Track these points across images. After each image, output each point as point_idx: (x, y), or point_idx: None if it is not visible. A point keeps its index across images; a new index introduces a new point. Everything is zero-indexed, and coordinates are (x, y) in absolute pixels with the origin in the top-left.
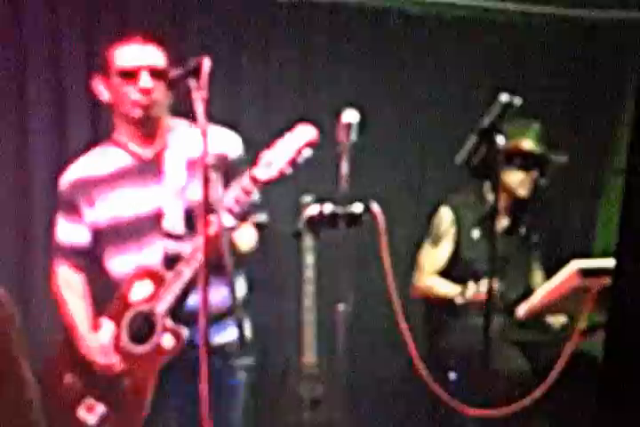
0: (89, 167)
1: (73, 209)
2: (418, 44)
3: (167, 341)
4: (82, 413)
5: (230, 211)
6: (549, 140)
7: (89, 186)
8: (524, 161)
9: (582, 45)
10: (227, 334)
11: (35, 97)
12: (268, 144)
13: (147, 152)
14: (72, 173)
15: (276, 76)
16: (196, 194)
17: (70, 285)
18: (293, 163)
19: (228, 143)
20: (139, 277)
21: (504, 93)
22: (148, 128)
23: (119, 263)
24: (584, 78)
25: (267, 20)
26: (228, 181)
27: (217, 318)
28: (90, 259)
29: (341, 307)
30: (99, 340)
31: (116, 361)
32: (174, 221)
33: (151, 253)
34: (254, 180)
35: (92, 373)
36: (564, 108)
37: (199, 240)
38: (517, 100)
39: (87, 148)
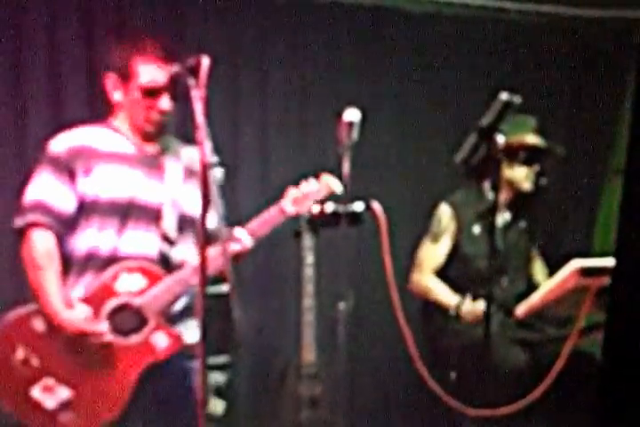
0: (90, 138)
1: (68, 174)
2: (417, 42)
3: (160, 340)
4: (36, 393)
5: (252, 233)
6: (546, 134)
7: (89, 155)
8: (529, 155)
9: (582, 44)
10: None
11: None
12: (295, 183)
13: (149, 148)
14: (71, 139)
15: (276, 76)
16: (191, 203)
17: (47, 250)
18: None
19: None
20: (129, 269)
21: (504, 92)
22: (154, 137)
23: (87, 240)
24: (584, 77)
25: (266, 20)
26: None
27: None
28: (66, 228)
29: (341, 306)
30: (75, 316)
31: (105, 329)
32: (170, 226)
33: (132, 242)
34: (282, 212)
35: (59, 349)
36: (564, 108)
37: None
38: (517, 99)
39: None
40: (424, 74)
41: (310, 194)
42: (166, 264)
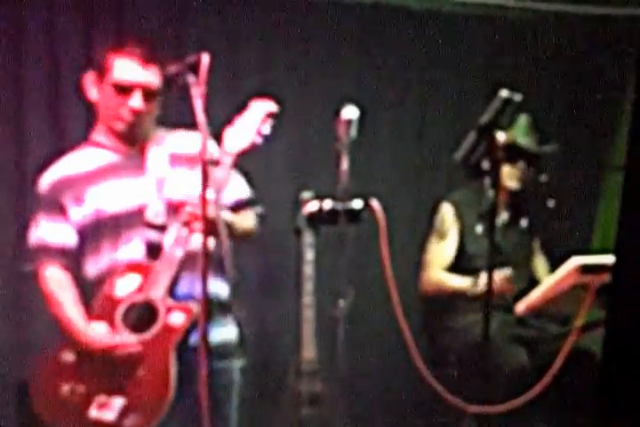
0: (70, 167)
1: (58, 209)
2: (417, 40)
3: (176, 318)
4: (94, 413)
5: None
6: (542, 133)
7: (74, 184)
8: (508, 153)
9: (582, 41)
10: (224, 333)
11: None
12: (228, 122)
13: (131, 149)
14: (52, 174)
15: (276, 73)
16: (177, 187)
17: (62, 285)
18: (260, 133)
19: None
20: (119, 273)
21: (504, 89)
22: (129, 138)
23: (95, 262)
24: (584, 75)
25: (266, 17)
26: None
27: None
28: (74, 258)
29: (341, 303)
30: (98, 334)
31: (128, 339)
32: (156, 212)
33: (130, 249)
34: (228, 154)
35: (96, 370)
36: (564, 105)
37: (180, 226)
38: (517, 97)
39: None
40: (424, 71)
41: (247, 124)
42: (159, 252)
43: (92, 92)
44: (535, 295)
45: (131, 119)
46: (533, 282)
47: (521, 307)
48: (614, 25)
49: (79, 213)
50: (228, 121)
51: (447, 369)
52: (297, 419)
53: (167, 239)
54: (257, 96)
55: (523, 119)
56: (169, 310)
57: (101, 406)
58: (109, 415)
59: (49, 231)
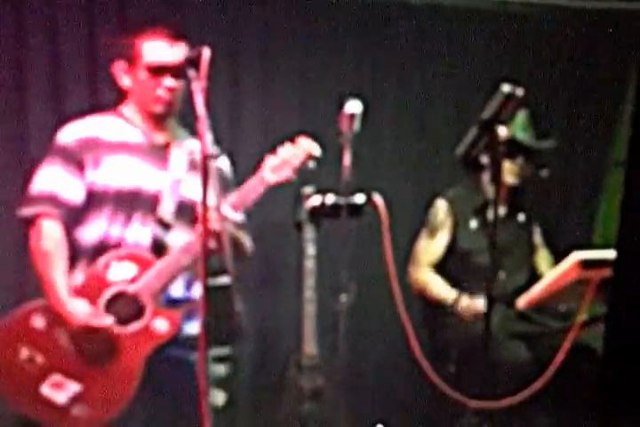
0: (98, 129)
1: (77, 165)
2: (419, 34)
3: (160, 324)
4: (46, 390)
5: (235, 207)
6: (542, 127)
7: (98, 146)
8: (506, 149)
9: (584, 36)
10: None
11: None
12: (271, 149)
13: (158, 137)
14: (79, 130)
15: (278, 68)
16: (190, 191)
17: (55, 240)
18: (297, 171)
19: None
20: (119, 257)
21: (505, 84)
22: (163, 121)
23: (94, 230)
24: (586, 69)
25: (268, 12)
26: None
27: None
28: (74, 218)
29: (343, 298)
30: (80, 309)
31: (110, 322)
32: (167, 210)
33: (139, 233)
34: (262, 181)
35: (62, 346)
36: (565, 100)
37: (190, 233)
38: (519, 91)
39: (87, 112)
40: (426, 66)
41: (289, 159)
42: (162, 249)
43: (125, 80)
44: (536, 290)
45: (169, 98)
46: (534, 277)
47: (522, 302)
48: (615, 20)
49: (93, 175)
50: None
51: (448, 364)
52: (298, 414)
53: (172, 239)
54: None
55: (521, 115)
56: (156, 313)
57: (55, 385)
58: (60, 398)
59: (61, 183)
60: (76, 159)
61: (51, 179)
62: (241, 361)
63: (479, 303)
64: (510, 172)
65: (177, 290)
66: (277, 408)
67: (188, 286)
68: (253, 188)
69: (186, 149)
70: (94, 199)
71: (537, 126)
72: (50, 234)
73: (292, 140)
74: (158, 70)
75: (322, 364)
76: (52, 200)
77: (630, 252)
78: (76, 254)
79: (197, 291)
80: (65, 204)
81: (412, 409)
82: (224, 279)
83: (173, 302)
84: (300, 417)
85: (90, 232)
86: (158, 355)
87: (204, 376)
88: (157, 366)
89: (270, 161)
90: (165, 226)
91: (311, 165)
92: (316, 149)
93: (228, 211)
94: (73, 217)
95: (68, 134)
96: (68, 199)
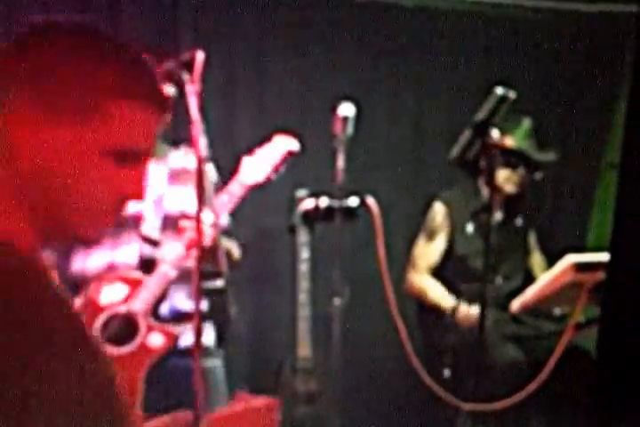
0: None
1: None
2: (413, 37)
3: (155, 340)
4: None
5: (216, 212)
6: (542, 138)
7: None
8: (508, 158)
9: (578, 39)
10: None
11: None
12: (249, 151)
13: None
14: None
15: (272, 70)
16: (174, 203)
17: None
18: (277, 170)
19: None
20: (108, 280)
21: (499, 87)
22: None
23: (94, 260)
24: (580, 72)
25: (262, 13)
26: None
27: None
28: (60, 255)
29: (336, 301)
30: None
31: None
32: (152, 227)
33: (127, 252)
34: (241, 184)
35: None
36: (559, 103)
37: (180, 245)
38: (512, 94)
39: None
40: (420, 68)
41: (266, 158)
42: (151, 266)
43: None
44: (530, 293)
45: None
46: (529, 280)
47: (516, 305)
48: (610, 22)
49: None
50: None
51: (442, 367)
52: (292, 417)
53: (160, 255)
54: (280, 131)
55: (526, 123)
56: (150, 328)
57: None
58: None
59: None
60: None
61: None
62: (235, 364)
63: (477, 312)
64: (510, 181)
65: (180, 301)
66: None
67: (191, 296)
68: (231, 192)
69: (168, 161)
70: None
71: (538, 135)
72: None
73: (269, 138)
74: None
75: (316, 367)
76: None
77: (623, 254)
78: (75, 284)
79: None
80: None
81: (406, 412)
82: (218, 283)
83: (178, 314)
84: (295, 420)
85: (78, 263)
86: (161, 365)
87: (200, 384)
88: (160, 376)
89: (247, 162)
90: (153, 243)
91: (287, 161)
92: (293, 145)
93: (208, 217)
94: (63, 251)
95: None
96: None
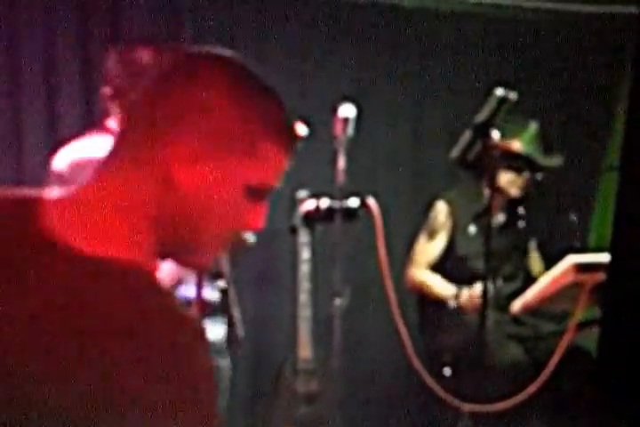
0: (89, 149)
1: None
2: (413, 38)
3: None
4: None
5: None
6: (548, 142)
7: (88, 167)
8: (514, 162)
9: (579, 40)
10: (210, 332)
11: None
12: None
13: None
14: (71, 154)
15: (273, 71)
16: None
17: None
18: None
19: None
20: None
21: (499, 88)
22: None
23: None
24: (579, 74)
25: (263, 14)
26: None
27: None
28: None
29: (337, 302)
30: None
31: None
32: None
33: None
34: None
35: None
36: (561, 104)
37: None
38: (513, 95)
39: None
40: (421, 69)
41: None
42: None
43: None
44: (530, 294)
45: None
46: (529, 280)
47: (517, 305)
48: (610, 24)
49: None
50: None
51: (443, 368)
52: (293, 418)
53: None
54: None
55: (533, 127)
56: None
57: None
58: None
59: None
60: (69, 184)
61: None
62: (236, 365)
63: (480, 290)
64: (515, 184)
65: (189, 290)
66: (273, 411)
67: (199, 285)
68: None
69: None
70: None
71: (544, 139)
72: None
73: None
74: None
75: (317, 368)
76: None
77: (624, 255)
78: None
79: (207, 291)
80: None
81: (406, 413)
82: (220, 283)
83: (186, 302)
84: (296, 421)
85: None
86: None
87: None
88: None
89: None
90: None
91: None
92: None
93: None
94: None
95: (61, 160)
96: None
